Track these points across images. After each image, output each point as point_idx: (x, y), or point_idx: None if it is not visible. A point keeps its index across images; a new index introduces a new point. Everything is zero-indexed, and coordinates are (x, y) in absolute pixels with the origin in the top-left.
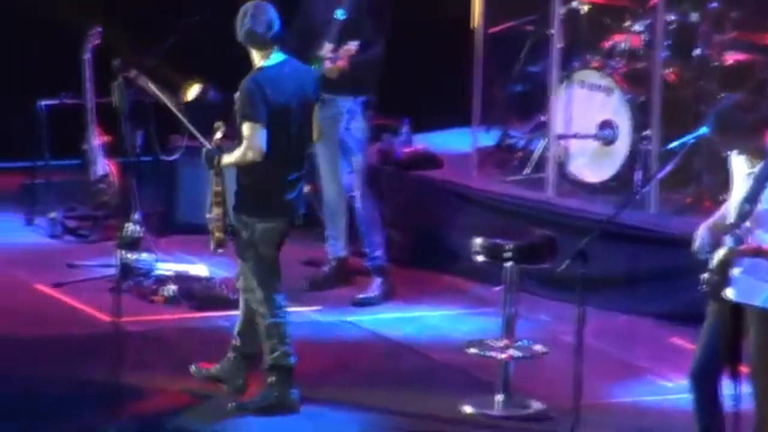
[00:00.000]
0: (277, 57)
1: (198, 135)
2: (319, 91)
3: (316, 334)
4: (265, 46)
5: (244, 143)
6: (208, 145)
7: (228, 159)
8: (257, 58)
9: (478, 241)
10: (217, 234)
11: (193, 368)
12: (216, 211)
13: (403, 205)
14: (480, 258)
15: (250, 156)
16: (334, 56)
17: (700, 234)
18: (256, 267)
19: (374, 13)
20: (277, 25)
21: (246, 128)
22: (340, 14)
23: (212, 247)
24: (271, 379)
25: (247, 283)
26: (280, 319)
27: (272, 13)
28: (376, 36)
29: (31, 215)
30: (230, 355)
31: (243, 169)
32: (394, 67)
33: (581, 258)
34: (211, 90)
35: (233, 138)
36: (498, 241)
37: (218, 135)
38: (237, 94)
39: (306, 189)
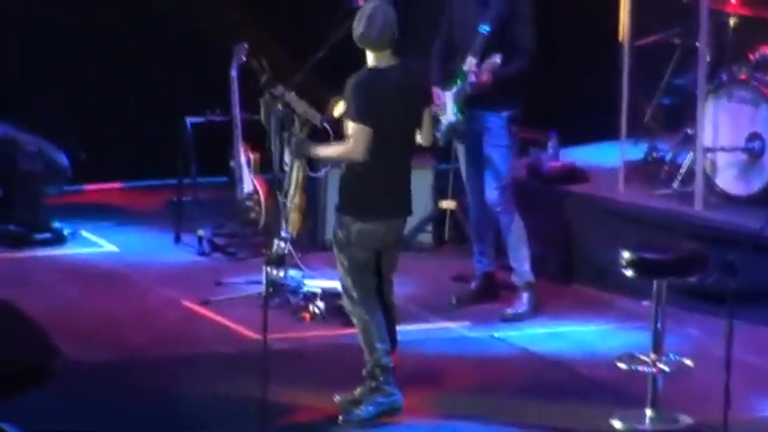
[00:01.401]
0: (389, 60)
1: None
2: (429, 100)
3: (464, 349)
4: (377, 49)
5: (348, 142)
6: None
7: (324, 152)
8: (370, 60)
9: (626, 255)
10: (294, 215)
11: (336, 398)
12: (298, 198)
13: (550, 220)
14: (628, 272)
15: (352, 156)
16: (477, 70)
17: None
18: (350, 267)
19: (519, 27)
20: (391, 30)
21: (350, 128)
22: (484, 28)
23: (292, 229)
24: (374, 383)
25: (342, 284)
26: (377, 319)
27: (390, 18)
28: (520, 50)
29: (179, 233)
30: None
31: (346, 167)
32: (541, 81)
33: (730, 271)
34: None
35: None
36: (646, 255)
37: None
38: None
39: (451, 204)
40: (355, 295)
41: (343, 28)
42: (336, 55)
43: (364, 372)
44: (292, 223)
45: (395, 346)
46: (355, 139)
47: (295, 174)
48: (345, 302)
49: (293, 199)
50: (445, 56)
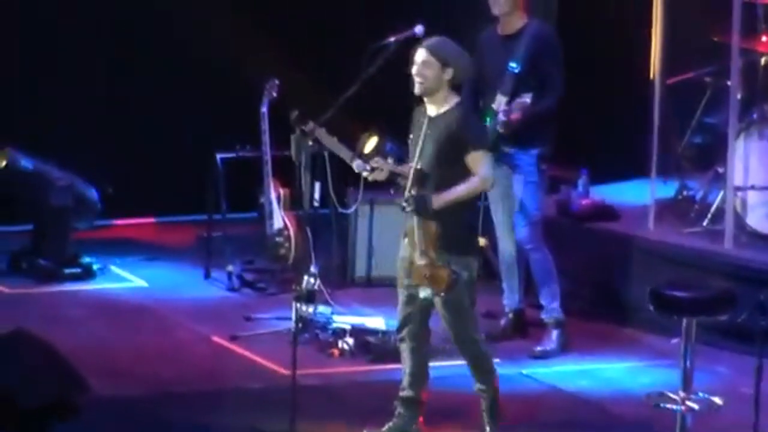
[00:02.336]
0: None
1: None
2: None
3: None
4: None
5: (480, 174)
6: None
7: (453, 195)
8: (454, 95)
9: (656, 293)
10: (444, 273)
11: None
12: (432, 255)
13: (579, 258)
14: (657, 310)
15: (484, 187)
16: (507, 109)
17: None
18: (472, 307)
19: (548, 66)
20: None
21: (479, 157)
22: (514, 67)
23: (439, 287)
24: (489, 402)
25: (461, 326)
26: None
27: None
28: (550, 88)
29: (209, 268)
30: (399, 410)
31: (458, 206)
32: (572, 118)
33: (760, 310)
34: (388, 143)
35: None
36: (676, 293)
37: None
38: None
39: (482, 242)
40: (476, 336)
41: (375, 64)
42: (367, 91)
43: (398, 407)
44: (439, 280)
45: (427, 382)
46: (488, 167)
47: (424, 231)
48: (477, 339)
49: (430, 259)
50: (474, 94)
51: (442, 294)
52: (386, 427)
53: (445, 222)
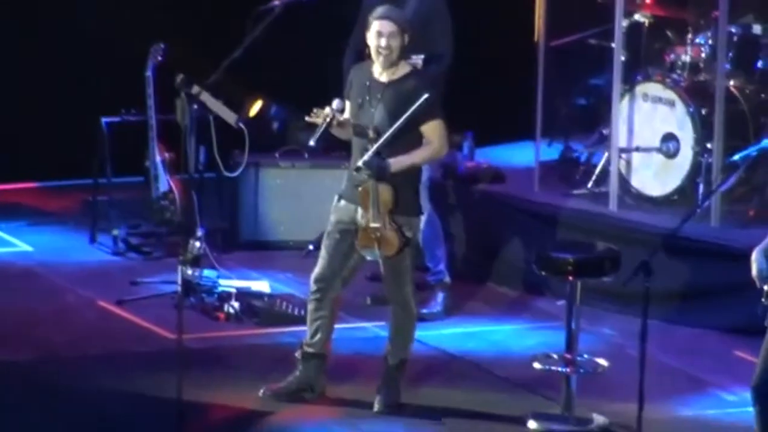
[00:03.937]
0: None
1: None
2: None
3: (378, 348)
4: None
5: (437, 141)
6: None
7: (410, 160)
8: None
9: (541, 255)
10: (396, 236)
11: (262, 393)
12: (386, 218)
13: (465, 220)
14: (543, 272)
15: (441, 154)
16: None
17: (755, 258)
18: (412, 265)
19: (435, 28)
20: None
21: (436, 126)
22: None
23: (392, 252)
24: (398, 374)
25: (408, 285)
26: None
27: None
28: (439, 50)
29: (94, 233)
30: (303, 364)
31: (413, 168)
32: (457, 82)
33: (644, 271)
34: (273, 106)
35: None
36: (561, 255)
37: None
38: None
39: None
40: (411, 291)
41: (259, 27)
42: (252, 55)
43: (301, 362)
44: (391, 243)
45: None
46: (443, 135)
47: (376, 195)
48: (412, 302)
49: (384, 222)
50: (358, 58)
51: (392, 256)
52: (289, 380)
53: (397, 185)
